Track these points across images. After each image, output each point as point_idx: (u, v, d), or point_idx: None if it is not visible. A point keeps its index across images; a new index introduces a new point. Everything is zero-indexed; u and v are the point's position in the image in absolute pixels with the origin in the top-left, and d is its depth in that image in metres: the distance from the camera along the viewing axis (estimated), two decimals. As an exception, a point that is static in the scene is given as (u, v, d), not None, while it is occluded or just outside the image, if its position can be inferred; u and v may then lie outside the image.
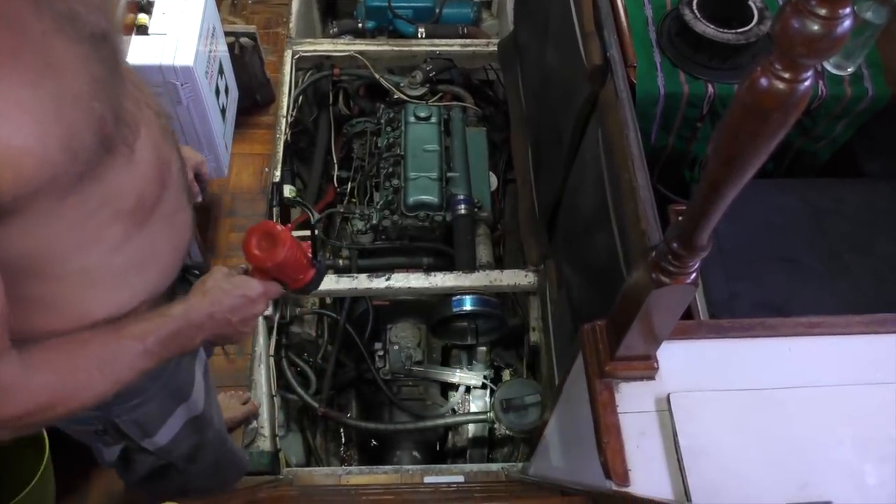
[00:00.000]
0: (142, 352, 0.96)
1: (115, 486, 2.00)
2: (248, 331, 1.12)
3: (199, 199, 1.36)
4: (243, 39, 2.58)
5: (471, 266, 2.33)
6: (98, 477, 2.02)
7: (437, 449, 2.56)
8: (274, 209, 2.33)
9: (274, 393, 2.23)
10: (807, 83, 0.66)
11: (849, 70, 1.65)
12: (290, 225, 1.07)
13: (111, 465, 1.36)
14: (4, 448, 1.75)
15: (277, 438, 2.17)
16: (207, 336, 1.06)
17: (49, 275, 0.89)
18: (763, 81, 0.67)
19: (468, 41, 2.91)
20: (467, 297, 2.28)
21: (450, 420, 2.38)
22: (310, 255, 1.18)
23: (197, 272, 1.23)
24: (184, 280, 1.18)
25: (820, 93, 1.63)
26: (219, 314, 1.05)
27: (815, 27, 0.60)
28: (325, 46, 2.84)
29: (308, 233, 2.28)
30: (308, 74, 2.83)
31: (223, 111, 2.10)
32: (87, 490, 1.99)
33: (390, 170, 2.53)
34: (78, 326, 0.94)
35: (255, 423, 2.12)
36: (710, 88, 1.61)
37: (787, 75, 0.66)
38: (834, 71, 1.65)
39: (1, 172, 0.73)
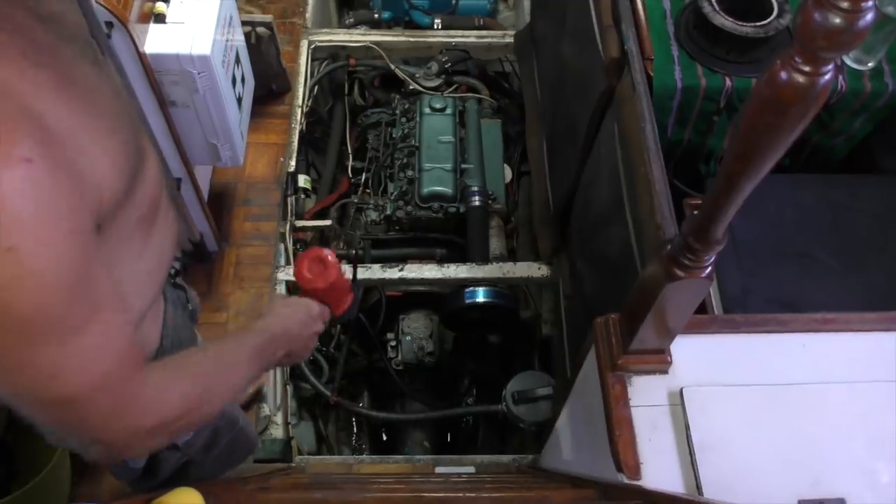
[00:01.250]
0: (246, 361, 1.00)
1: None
2: (313, 347, 1.20)
3: None
4: (260, 29, 2.58)
5: (484, 258, 2.33)
6: (113, 461, 2.04)
7: (448, 439, 2.57)
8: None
9: (287, 381, 2.24)
10: (827, 77, 0.66)
11: (869, 65, 1.63)
12: (333, 248, 1.21)
13: (132, 476, 1.37)
14: (22, 432, 1.78)
15: (290, 426, 2.18)
16: (283, 352, 1.11)
17: None
18: (783, 75, 0.67)
19: (484, 32, 2.90)
20: (480, 288, 2.28)
21: (461, 410, 2.39)
22: (350, 281, 1.26)
23: (177, 258, 1.25)
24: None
25: (839, 87, 1.62)
26: (293, 329, 1.12)
27: (837, 20, 0.60)
28: (341, 37, 2.84)
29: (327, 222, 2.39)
30: (324, 64, 2.83)
31: (239, 100, 2.10)
32: (102, 474, 2.02)
33: (405, 160, 2.54)
34: None
35: (267, 411, 2.13)
36: (728, 82, 1.60)
37: (807, 69, 0.66)
38: (854, 66, 1.64)
39: (97, 194, 0.73)
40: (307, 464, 2.13)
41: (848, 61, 1.64)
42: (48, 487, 1.69)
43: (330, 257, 1.18)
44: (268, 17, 2.63)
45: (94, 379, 0.73)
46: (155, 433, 0.83)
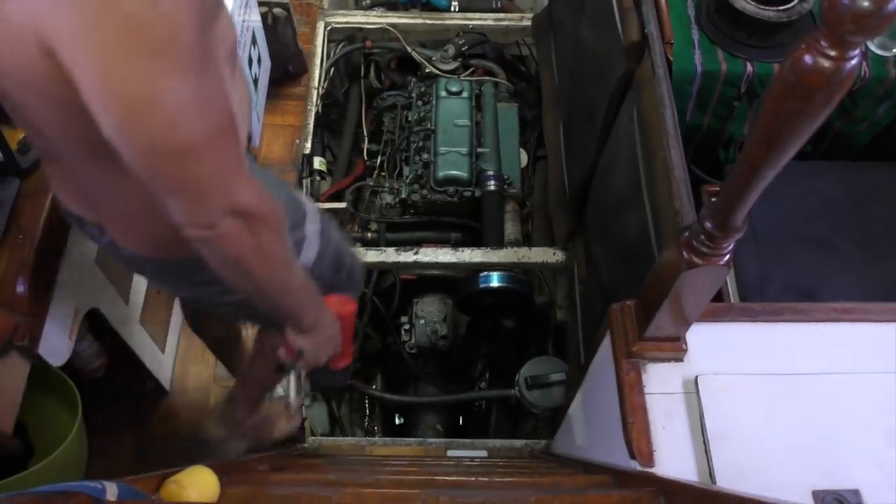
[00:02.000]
0: (304, 280, 1.12)
1: (146, 448, 2.05)
2: (325, 357, 1.29)
3: None
4: (276, 10, 2.57)
5: (499, 242, 2.32)
6: (129, 439, 2.06)
7: (461, 423, 2.58)
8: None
9: (301, 363, 2.24)
10: (853, 62, 0.65)
11: (894, 51, 1.60)
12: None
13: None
14: (40, 408, 1.80)
15: (303, 408, 2.19)
16: (314, 320, 1.19)
17: None
18: (807, 59, 0.65)
19: (502, 15, 2.88)
20: (494, 273, 2.28)
21: (474, 395, 2.40)
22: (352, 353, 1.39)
23: None
24: None
25: (863, 73, 1.59)
26: (330, 320, 1.25)
27: (866, 3, 0.59)
28: (358, 18, 2.82)
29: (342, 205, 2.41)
30: (340, 46, 2.82)
31: (255, 81, 2.10)
32: (118, 451, 2.04)
33: (420, 144, 2.53)
34: None
35: (281, 392, 2.14)
36: (749, 67, 1.58)
37: (833, 53, 0.64)
38: (878, 51, 1.61)
39: None
40: (320, 445, 2.14)
41: (872, 47, 1.61)
42: (65, 463, 1.71)
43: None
44: (285, -2, 2.62)
45: (207, 129, 0.80)
46: (243, 216, 0.89)
